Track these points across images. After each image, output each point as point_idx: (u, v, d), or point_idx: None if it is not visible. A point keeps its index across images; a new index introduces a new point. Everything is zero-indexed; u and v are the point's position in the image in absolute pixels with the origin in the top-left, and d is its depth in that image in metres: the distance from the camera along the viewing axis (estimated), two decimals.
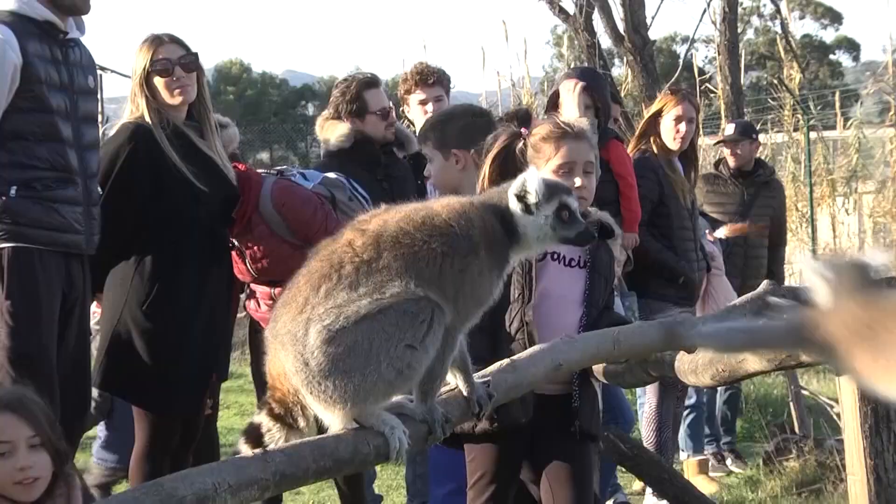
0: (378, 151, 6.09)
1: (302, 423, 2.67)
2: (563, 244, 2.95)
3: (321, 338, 2.56)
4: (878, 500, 3.20)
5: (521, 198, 2.85)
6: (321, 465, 2.55)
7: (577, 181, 4.00)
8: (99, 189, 4.74)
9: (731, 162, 8.20)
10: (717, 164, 8.56)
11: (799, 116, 15.51)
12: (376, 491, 6.56)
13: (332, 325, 2.57)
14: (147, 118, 4.96)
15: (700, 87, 18.70)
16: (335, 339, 2.56)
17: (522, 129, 4.15)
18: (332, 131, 6.13)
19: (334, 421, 2.62)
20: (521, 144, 4.10)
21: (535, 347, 3.03)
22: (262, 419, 2.70)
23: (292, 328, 2.61)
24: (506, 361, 2.95)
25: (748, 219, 7.74)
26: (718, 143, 8.67)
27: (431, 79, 6.49)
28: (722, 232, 7.58)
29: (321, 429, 2.68)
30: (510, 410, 4.04)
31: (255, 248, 5.35)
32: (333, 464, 2.58)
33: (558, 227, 2.87)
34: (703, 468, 7.47)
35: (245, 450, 2.62)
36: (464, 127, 4.64)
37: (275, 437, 2.68)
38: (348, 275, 2.62)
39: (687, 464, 7.53)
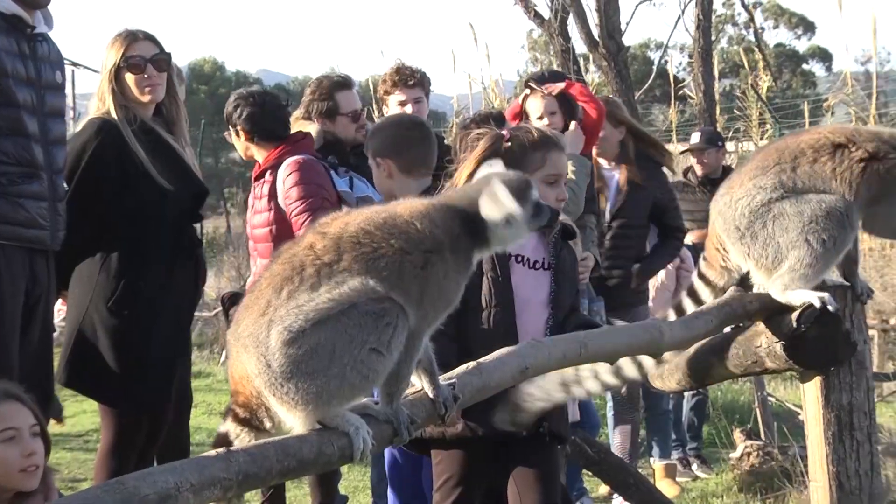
0: (347, 153, 6.09)
1: (268, 424, 2.64)
2: (535, 232, 2.96)
3: (282, 339, 2.55)
4: None
5: (496, 221, 2.83)
6: (285, 465, 2.52)
7: (565, 193, 4.15)
8: (65, 185, 4.69)
9: (699, 170, 8.28)
10: (685, 172, 8.61)
11: (769, 125, 15.59)
12: (342, 491, 6.55)
13: (292, 325, 2.55)
14: (113, 113, 4.93)
15: (677, 93, 18.77)
16: (296, 340, 2.55)
17: (504, 132, 4.19)
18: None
19: (297, 423, 2.60)
20: (507, 145, 4.14)
21: (502, 351, 3.00)
22: (229, 426, 2.67)
23: (254, 330, 2.58)
24: (472, 364, 2.92)
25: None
26: (685, 151, 8.68)
27: (412, 80, 6.50)
28: (689, 238, 7.62)
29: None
30: (506, 422, 4.06)
31: (258, 199, 5.63)
32: (297, 464, 2.56)
33: (532, 223, 2.87)
34: (669, 472, 7.49)
35: None
36: (391, 136, 4.82)
37: (244, 441, 2.65)
38: (310, 276, 2.60)
39: (654, 468, 7.56)
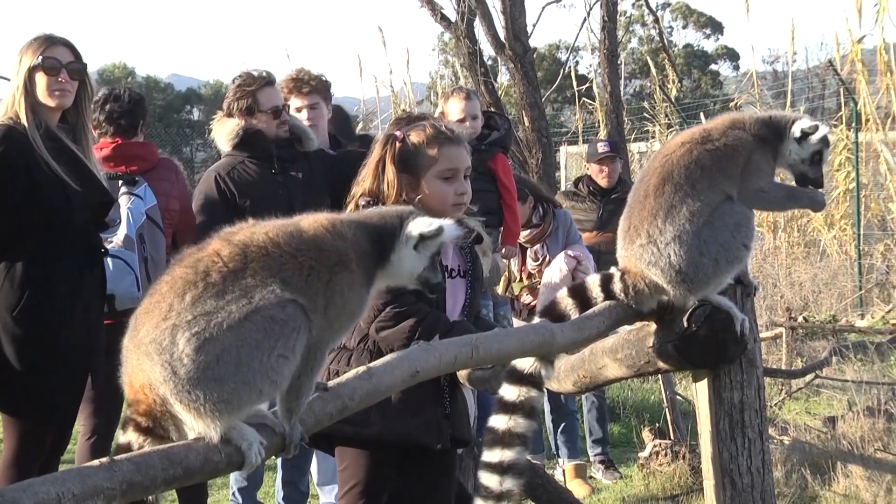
0: (269, 145, 6.05)
1: (174, 434, 2.59)
2: (418, 285, 2.90)
3: (191, 346, 2.49)
4: None
5: (424, 235, 2.81)
6: (170, 473, 2.47)
7: (468, 186, 4.08)
8: None
9: (603, 181, 8.37)
10: (576, 182, 8.72)
11: (675, 126, 15.77)
12: (259, 497, 6.54)
13: (201, 332, 2.50)
14: (22, 117, 4.84)
15: (580, 95, 18.90)
16: (204, 346, 2.49)
17: (397, 133, 4.11)
18: (220, 129, 6.15)
19: (205, 430, 2.54)
20: (399, 147, 4.08)
21: (393, 355, 2.97)
22: (131, 437, 2.60)
23: (156, 336, 2.52)
24: (362, 369, 2.89)
25: (603, 233, 7.90)
26: (600, 159, 8.43)
27: (307, 87, 6.50)
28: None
29: None
30: (421, 436, 4.05)
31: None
32: (183, 472, 2.50)
33: (426, 270, 2.85)
34: (579, 473, 7.54)
35: None
36: None
37: None
38: (215, 283, 2.55)
39: (564, 469, 7.60)
